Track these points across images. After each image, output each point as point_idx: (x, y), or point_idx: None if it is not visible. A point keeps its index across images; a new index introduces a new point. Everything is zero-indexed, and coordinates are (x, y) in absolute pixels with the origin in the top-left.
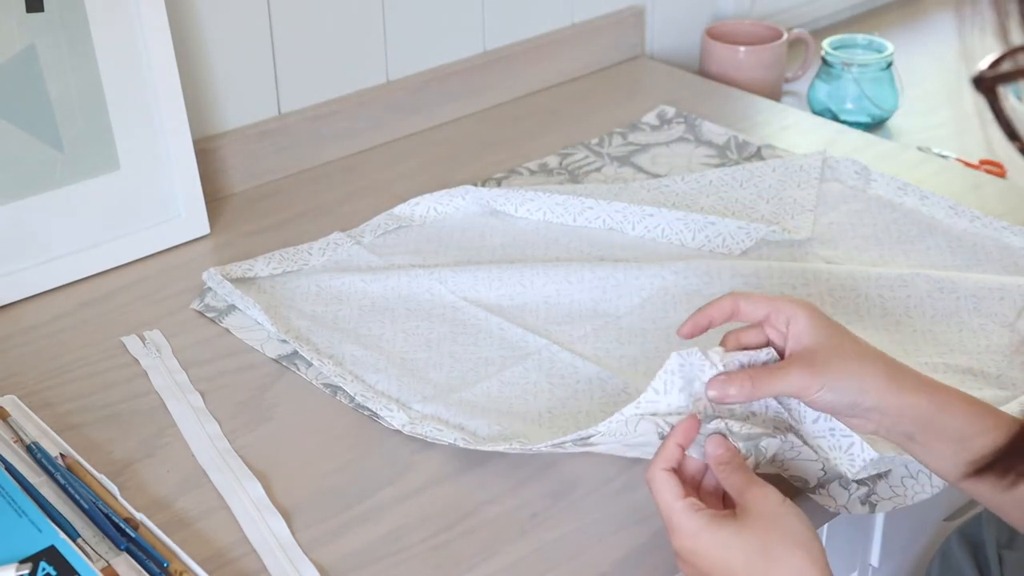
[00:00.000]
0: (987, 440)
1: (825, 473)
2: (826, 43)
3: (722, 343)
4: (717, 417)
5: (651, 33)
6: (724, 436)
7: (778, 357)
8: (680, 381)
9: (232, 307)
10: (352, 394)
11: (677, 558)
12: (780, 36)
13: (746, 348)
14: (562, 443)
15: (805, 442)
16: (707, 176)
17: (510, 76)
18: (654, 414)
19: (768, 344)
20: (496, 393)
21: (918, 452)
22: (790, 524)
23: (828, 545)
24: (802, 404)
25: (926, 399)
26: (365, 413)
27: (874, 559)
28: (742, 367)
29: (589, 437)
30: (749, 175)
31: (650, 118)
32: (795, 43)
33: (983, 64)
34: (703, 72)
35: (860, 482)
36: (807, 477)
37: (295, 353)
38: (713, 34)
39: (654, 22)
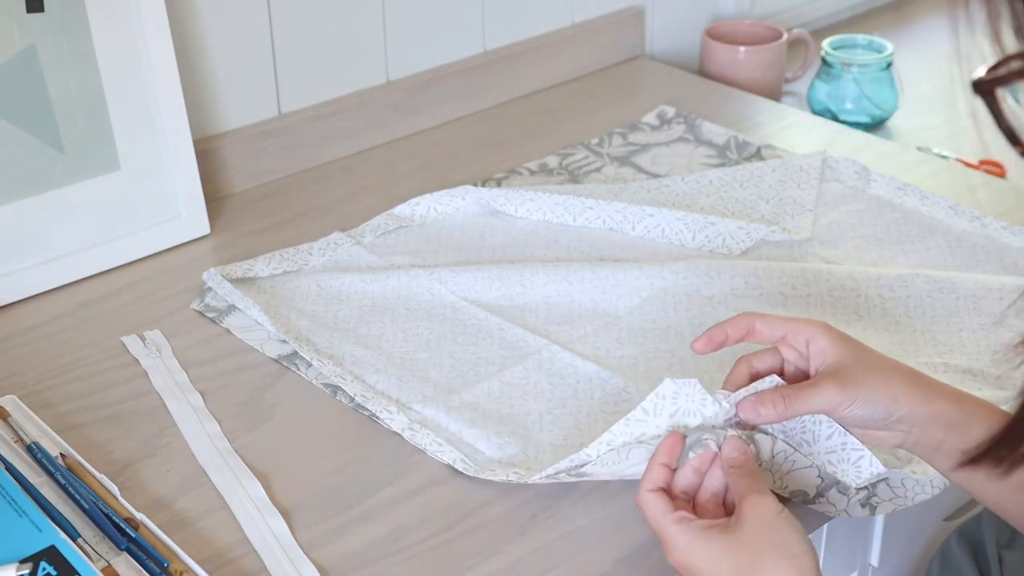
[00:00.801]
0: None
1: (823, 480)
2: (826, 43)
3: (735, 368)
4: (735, 424)
5: (651, 33)
6: (743, 441)
7: (783, 383)
8: (671, 407)
9: (232, 307)
10: (352, 395)
11: (675, 574)
12: (780, 36)
13: (758, 373)
14: (556, 473)
15: (814, 462)
16: (707, 176)
17: (510, 76)
18: (641, 441)
19: (782, 367)
20: (496, 393)
21: (943, 463)
22: (784, 537)
23: (828, 545)
24: (816, 421)
25: (953, 405)
26: (365, 414)
27: (874, 559)
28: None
29: (583, 466)
30: (749, 175)
31: (650, 118)
32: (795, 43)
33: (982, 68)
34: (703, 72)
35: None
36: (806, 488)
37: (295, 353)
38: (713, 34)
39: (654, 22)
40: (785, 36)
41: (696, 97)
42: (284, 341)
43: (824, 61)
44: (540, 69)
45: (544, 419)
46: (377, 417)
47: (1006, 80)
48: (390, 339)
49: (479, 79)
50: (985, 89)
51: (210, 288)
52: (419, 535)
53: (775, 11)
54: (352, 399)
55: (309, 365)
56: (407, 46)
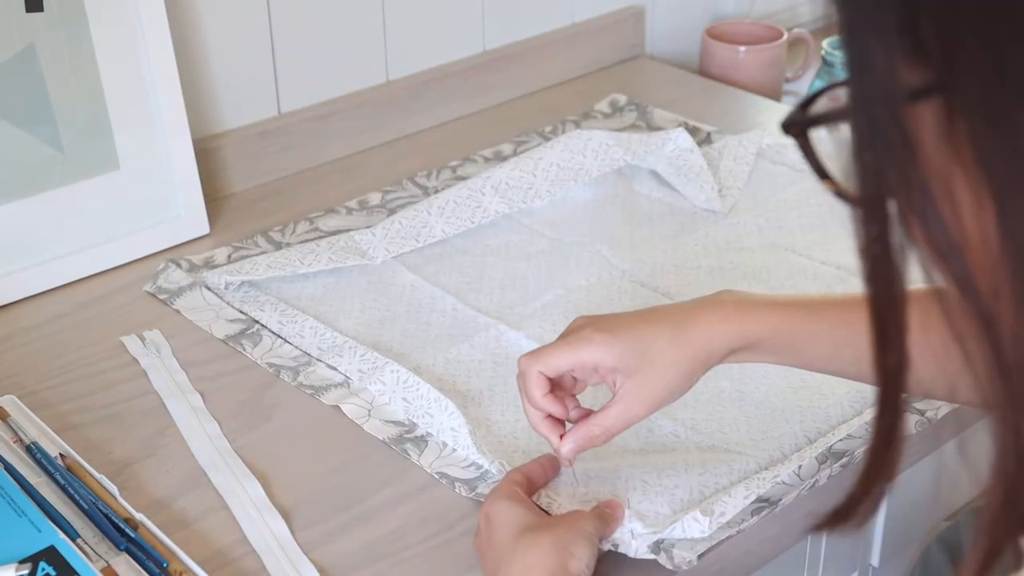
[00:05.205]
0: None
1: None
2: (826, 43)
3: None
4: None
5: (651, 33)
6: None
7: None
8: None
9: (183, 289)
10: (295, 368)
11: (481, 521)
12: (780, 36)
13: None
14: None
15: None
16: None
17: (510, 76)
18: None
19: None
20: (440, 372)
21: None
22: (582, 526)
23: (828, 545)
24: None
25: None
26: (308, 392)
27: (874, 559)
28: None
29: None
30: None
31: (602, 106)
32: (795, 43)
33: (794, 107)
34: (703, 72)
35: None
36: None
37: (242, 332)
38: (713, 34)
39: (654, 22)
40: (785, 36)
41: (696, 97)
42: (242, 315)
43: (824, 61)
44: (540, 69)
45: (483, 395)
46: (319, 395)
47: (817, 122)
48: (348, 313)
49: (479, 79)
50: (796, 131)
51: (162, 271)
52: (418, 535)
53: (775, 11)
54: (295, 376)
55: (256, 344)
56: (407, 46)
